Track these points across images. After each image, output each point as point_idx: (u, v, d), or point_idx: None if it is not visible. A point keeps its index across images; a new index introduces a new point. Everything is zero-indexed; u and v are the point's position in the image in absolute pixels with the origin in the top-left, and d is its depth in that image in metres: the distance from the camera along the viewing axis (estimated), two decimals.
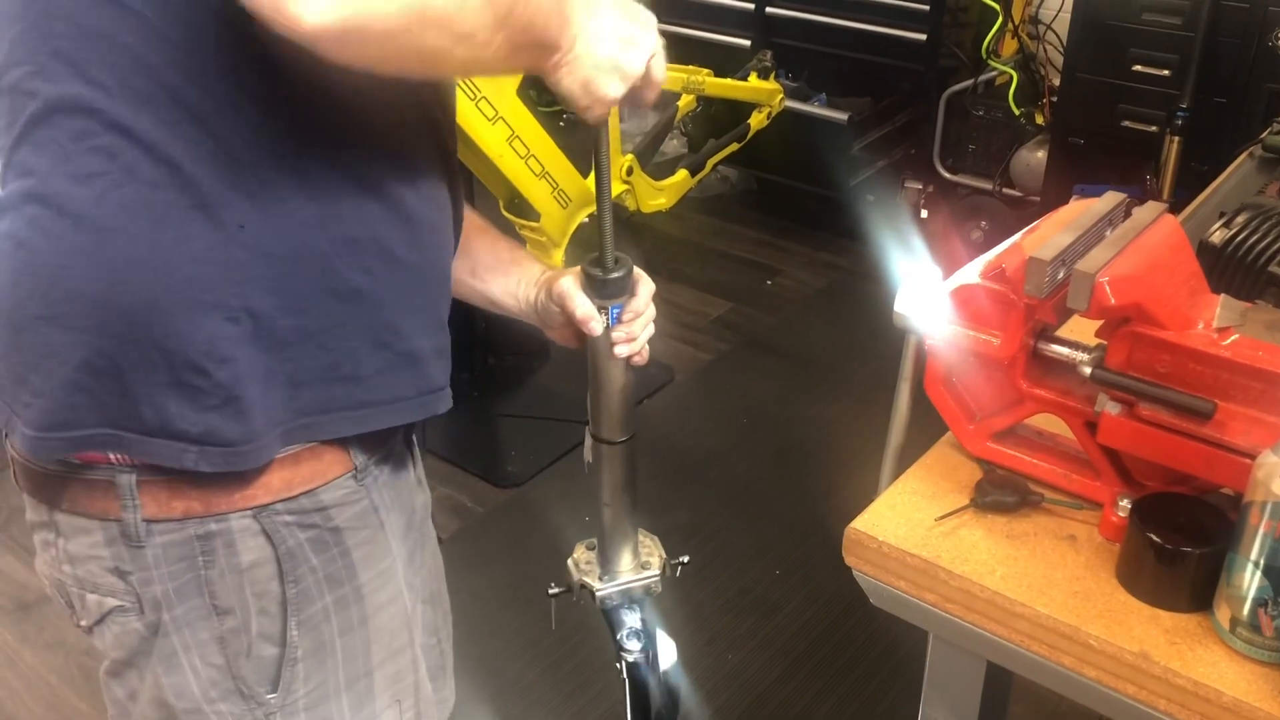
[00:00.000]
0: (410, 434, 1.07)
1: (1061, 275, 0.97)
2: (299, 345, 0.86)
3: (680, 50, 3.60)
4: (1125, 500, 0.98)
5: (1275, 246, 1.18)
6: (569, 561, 1.20)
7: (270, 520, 0.89)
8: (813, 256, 3.76)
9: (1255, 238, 1.20)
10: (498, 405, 2.93)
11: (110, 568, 0.89)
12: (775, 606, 2.26)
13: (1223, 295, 0.96)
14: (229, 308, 0.82)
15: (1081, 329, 1.03)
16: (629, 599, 1.19)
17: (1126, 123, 3.09)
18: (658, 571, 1.19)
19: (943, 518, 1.03)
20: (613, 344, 1.05)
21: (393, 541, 0.98)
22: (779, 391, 3.02)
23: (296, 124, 0.82)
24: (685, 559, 1.22)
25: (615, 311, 1.04)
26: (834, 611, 2.22)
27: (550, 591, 1.21)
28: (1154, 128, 3.01)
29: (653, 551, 1.20)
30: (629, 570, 1.18)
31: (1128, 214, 1.06)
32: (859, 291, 3.48)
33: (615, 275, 1.02)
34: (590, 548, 1.20)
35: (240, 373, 0.83)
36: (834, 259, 3.73)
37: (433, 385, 0.96)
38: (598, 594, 1.18)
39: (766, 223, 3.96)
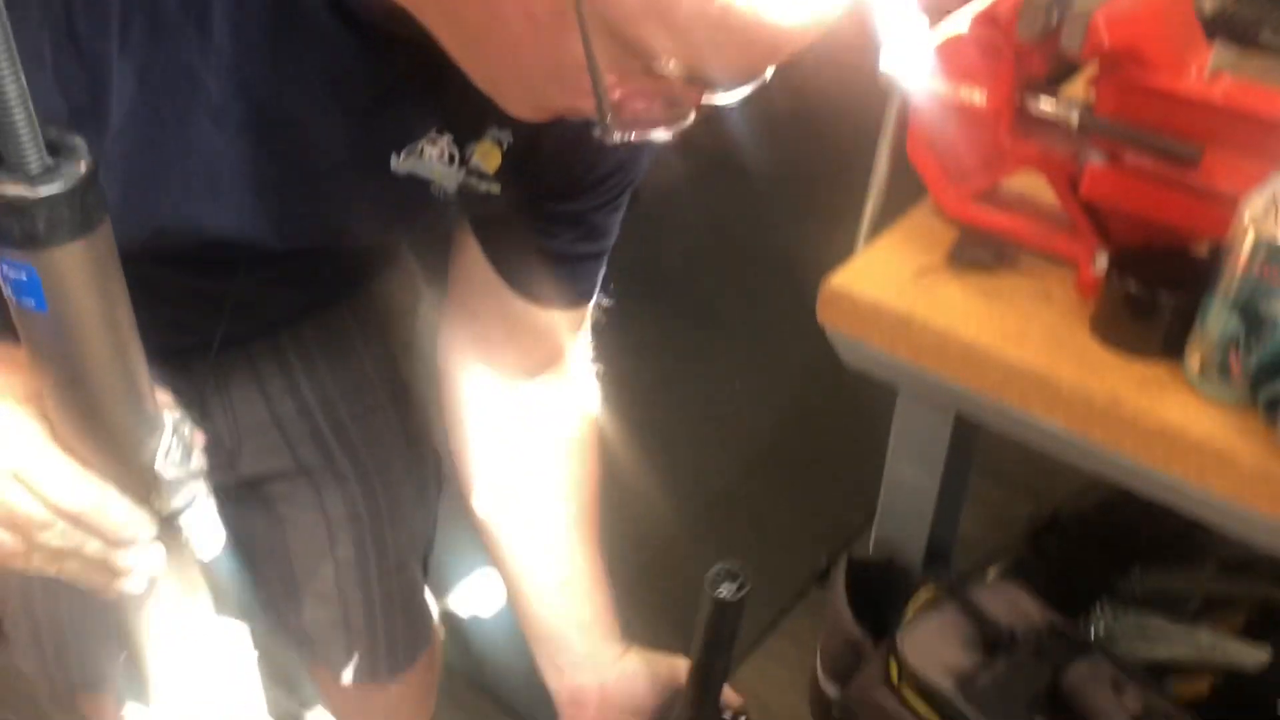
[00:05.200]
0: None
1: (1055, 20, 0.94)
2: None
3: None
4: (1103, 256, 0.98)
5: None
6: None
7: None
8: None
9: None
10: None
11: None
12: (735, 413, 2.28)
13: (1217, 40, 0.94)
14: None
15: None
16: None
17: None
18: None
19: (921, 274, 1.02)
20: None
21: None
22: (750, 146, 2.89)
23: None
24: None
25: None
26: (794, 416, 2.26)
27: None
28: None
29: None
30: None
31: None
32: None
33: None
34: None
35: None
36: None
37: None
38: None
39: None
